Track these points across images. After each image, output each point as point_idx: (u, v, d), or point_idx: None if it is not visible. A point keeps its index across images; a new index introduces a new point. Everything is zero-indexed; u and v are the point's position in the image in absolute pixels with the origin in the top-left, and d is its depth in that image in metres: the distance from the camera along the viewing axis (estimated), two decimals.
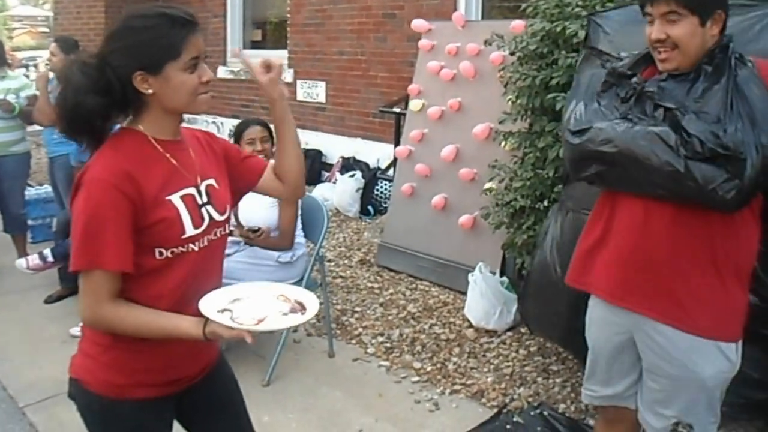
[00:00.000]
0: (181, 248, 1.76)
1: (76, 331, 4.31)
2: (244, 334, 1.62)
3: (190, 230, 1.77)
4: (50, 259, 4.73)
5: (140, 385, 1.83)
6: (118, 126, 1.82)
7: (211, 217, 1.84)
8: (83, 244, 1.66)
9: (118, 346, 1.79)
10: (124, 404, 1.83)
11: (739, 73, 2.04)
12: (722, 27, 2.11)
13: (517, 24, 4.53)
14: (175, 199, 1.76)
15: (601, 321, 2.42)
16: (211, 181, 1.89)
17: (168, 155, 1.79)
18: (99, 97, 1.70)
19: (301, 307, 1.75)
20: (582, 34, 3.35)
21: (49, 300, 4.98)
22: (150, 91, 1.72)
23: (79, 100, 1.70)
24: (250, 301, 1.76)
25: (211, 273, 1.89)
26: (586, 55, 3.18)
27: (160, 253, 1.74)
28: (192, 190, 1.81)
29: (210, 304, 1.70)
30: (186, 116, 1.89)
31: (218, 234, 1.88)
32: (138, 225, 1.69)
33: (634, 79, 2.20)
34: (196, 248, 1.80)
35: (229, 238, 2.48)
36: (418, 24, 5.89)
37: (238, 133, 4.12)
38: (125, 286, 1.73)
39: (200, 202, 1.82)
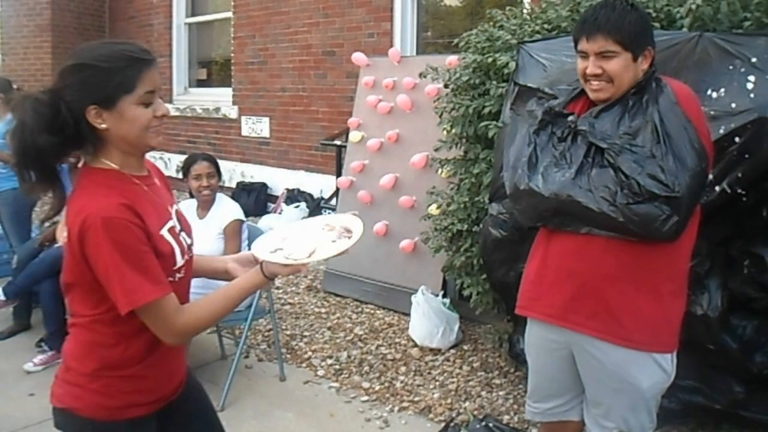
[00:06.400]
0: (169, 279, 1.71)
1: (29, 366, 4.13)
2: (299, 268, 1.73)
3: (179, 261, 1.75)
4: (2, 297, 4.42)
5: (131, 406, 1.79)
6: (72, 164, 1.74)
7: (186, 243, 1.82)
8: (130, 282, 1.59)
9: (106, 374, 1.74)
10: (117, 425, 1.78)
11: (660, 103, 2.03)
12: (651, 62, 2.12)
13: (452, 59, 4.55)
14: (165, 232, 1.72)
15: (539, 339, 2.38)
16: (177, 206, 1.87)
17: (147, 190, 1.75)
18: (52, 136, 1.59)
19: (347, 231, 1.81)
20: (512, 65, 3.37)
21: (1, 336, 4.69)
22: (104, 126, 1.63)
23: (33, 140, 1.59)
24: (299, 236, 1.83)
25: (186, 294, 1.85)
26: (520, 92, 3.15)
27: None
28: (173, 222, 1.77)
29: (261, 247, 1.80)
30: None
31: (190, 256, 1.87)
32: None
33: (570, 118, 2.17)
34: (181, 276, 1.78)
35: None
36: (357, 57, 5.88)
37: (186, 167, 4.04)
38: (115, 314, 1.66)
39: (178, 230, 1.79)
